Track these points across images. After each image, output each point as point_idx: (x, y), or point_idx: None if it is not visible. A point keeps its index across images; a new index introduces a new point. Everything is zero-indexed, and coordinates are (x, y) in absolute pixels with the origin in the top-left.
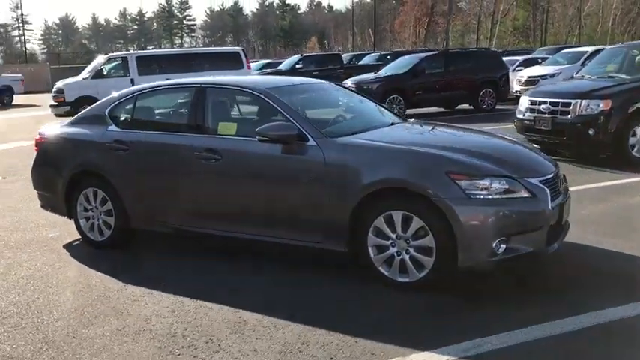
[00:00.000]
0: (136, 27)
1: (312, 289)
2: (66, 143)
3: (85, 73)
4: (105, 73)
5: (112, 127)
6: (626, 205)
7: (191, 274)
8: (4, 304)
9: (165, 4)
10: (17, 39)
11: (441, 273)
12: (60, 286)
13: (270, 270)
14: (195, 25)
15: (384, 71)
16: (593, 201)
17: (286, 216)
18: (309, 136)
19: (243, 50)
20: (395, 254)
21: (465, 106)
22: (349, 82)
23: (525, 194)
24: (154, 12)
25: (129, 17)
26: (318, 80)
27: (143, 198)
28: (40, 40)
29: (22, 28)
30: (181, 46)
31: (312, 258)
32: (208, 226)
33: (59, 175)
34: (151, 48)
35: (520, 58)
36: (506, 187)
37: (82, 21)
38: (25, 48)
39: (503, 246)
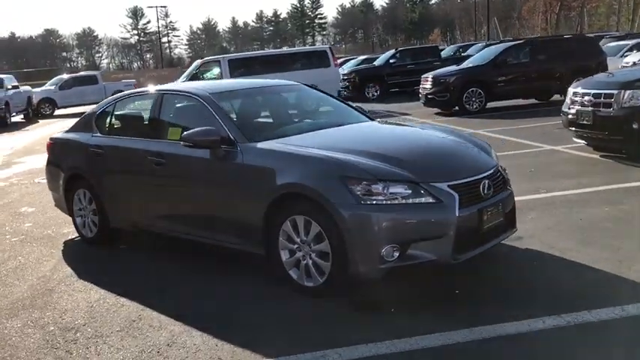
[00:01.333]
0: (271, 28)
1: (230, 291)
2: (63, 148)
3: (183, 77)
4: (199, 76)
5: (96, 133)
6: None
7: (142, 273)
8: None
9: (298, 4)
10: (166, 45)
11: (339, 279)
12: (25, 278)
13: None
14: (326, 23)
15: (467, 63)
16: (599, 203)
17: (211, 218)
18: (235, 141)
19: (330, 48)
20: (301, 259)
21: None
22: (430, 76)
23: (429, 199)
24: (287, 12)
25: (265, 19)
26: (287, 83)
27: (115, 199)
28: (186, 45)
29: (169, 35)
30: (313, 44)
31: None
32: (160, 227)
33: (60, 176)
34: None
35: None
36: (408, 191)
37: (223, 24)
38: (160, 54)
39: (396, 253)
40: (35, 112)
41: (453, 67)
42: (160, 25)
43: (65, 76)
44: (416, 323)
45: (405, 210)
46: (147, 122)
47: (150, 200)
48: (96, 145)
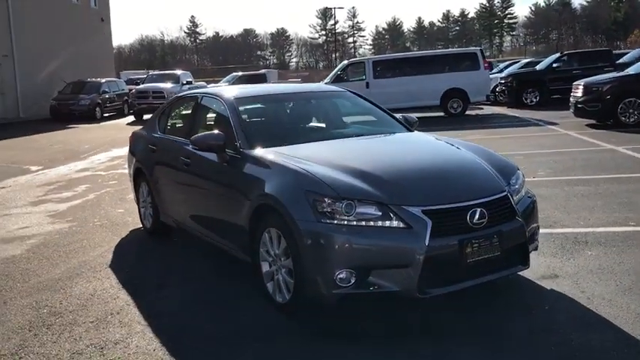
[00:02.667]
0: (457, 28)
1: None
2: (136, 142)
3: (328, 79)
4: (343, 77)
5: (156, 132)
6: None
7: (168, 270)
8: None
9: (487, 4)
10: (351, 45)
11: (301, 299)
12: (70, 260)
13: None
14: (516, 22)
15: (630, 70)
16: None
17: (216, 221)
18: (239, 147)
19: (481, 51)
20: (275, 272)
21: None
22: (581, 84)
23: (399, 224)
24: (475, 12)
25: (451, 19)
26: (329, 89)
27: (160, 195)
28: (370, 45)
29: (355, 35)
30: (500, 45)
31: None
32: (187, 226)
33: (130, 169)
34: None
35: None
36: (378, 213)
37: (408, 24)
38: (342, 54)
39: (353, 279)
40: None
41: (611, 75)
42: (346, 26)
43: (239, 73)
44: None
45: (367, 233)
46: (186, 123)
47: (181, 199)
48: (152, 143)
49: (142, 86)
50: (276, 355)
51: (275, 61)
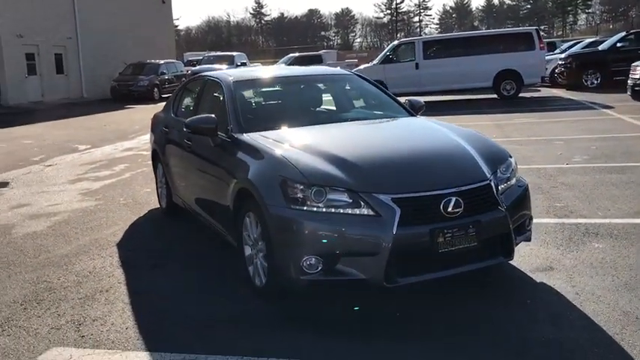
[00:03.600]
0: (528, 6)
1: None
2: (153, 124)
3: (377, 60)
4: (392, 58)
5: (170, 113)
6: None
7: (169, 249)
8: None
9: None
10: (417, 24)
11: (273, 283)
12: (84, 237)
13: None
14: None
15: None
16: None
17: (209, 202)
18: (230, 130)
19: (537, 30)
20: (254, 256)
21: None
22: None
23: (368, 212)
24: None
25: None
26: (334, 72)
27: (171, 176)
28: (437, 24)
29: (421, 14)
30: (574, 24)
31: None
32: (190, 208)
33: (150, 150)
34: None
35: None
36: (349, 200)
37: (477, 2)
38: (407, 34)
39: (320, 266)
40: None
41: None
42: (412, 4)
43: (295, 54)
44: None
45: (335, 220)
46: (192, 105)
47: (185, 180)
48: (165, 124)
49: (196, 68)
50: (247, 340)
51: (339, 41)
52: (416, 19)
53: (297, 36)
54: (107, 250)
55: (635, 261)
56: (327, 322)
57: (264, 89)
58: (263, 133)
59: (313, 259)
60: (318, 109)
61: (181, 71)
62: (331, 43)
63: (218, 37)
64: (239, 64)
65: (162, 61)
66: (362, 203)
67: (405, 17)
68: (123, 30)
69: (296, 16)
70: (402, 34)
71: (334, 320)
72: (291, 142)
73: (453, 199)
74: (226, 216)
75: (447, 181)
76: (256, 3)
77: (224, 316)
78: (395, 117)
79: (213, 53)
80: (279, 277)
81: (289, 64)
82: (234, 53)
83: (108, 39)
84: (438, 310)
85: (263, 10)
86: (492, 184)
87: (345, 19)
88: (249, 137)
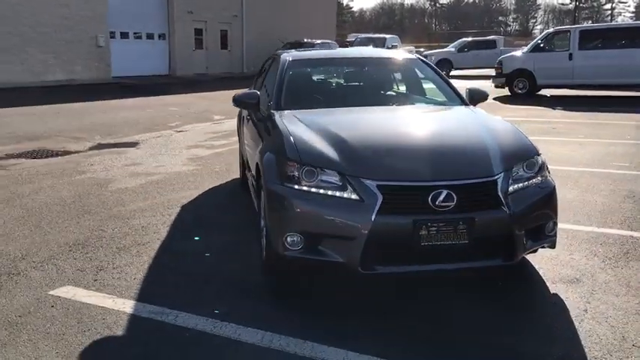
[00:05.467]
0: None
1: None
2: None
3: (527, 48)
4: (543, 46)
5: (252, 88)
6: None
7: (210, 224)
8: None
9: None
10: (608, 12)
11: (268, 258)
12: (144, 201)
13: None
14: None
15: None
16: None
17: (250, 177)
18: (269, 106)
19: None
20: (263, 229)
21: None
22: None
23: (352, 195)
24: None
25: None
26: (395, 56)
27: (242, 148)
28: (632, 12)
29: (614, 1)
30: None
31: None
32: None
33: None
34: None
35: None
36: (338, 183)
37: None
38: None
39: (302, 244)
40: None
41: None
42: None
43: (467, 39)
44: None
45: (321, 201)
46: (261, 81)
47: (243, 153)
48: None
49: (347, 49)
50: (225, 305)
51: (517, 27)
52: (607, 6)
53: (473, 20)
54: (171, 210)
55: None
56: (317, 304)
57: (316, 68)
58: (295, 111)
59: (296, 236)
60: (361, 91)
61: None
62: (509, 28)
63: (390, 19)
64: (390, 46)
65: (318, 41)
66: (348, 187)
67: (595, 4)
68: (285, 9)
69: (474, 0)
70: (590, 22)
71: (326, 304)
72: (312, 122)
73: (444, 192)
74: (254, 188)
75: (441, 173)
76: None
77: (221, 280)
78: (440, 105)
79: (364, 35)
80: (270, 252)
81: (459, 49)
82: (387, 35)
83: (270, 17)
84: (431, 303)
85: None
86: (499, 181)
87: (526, 4)
88: (279, 114)
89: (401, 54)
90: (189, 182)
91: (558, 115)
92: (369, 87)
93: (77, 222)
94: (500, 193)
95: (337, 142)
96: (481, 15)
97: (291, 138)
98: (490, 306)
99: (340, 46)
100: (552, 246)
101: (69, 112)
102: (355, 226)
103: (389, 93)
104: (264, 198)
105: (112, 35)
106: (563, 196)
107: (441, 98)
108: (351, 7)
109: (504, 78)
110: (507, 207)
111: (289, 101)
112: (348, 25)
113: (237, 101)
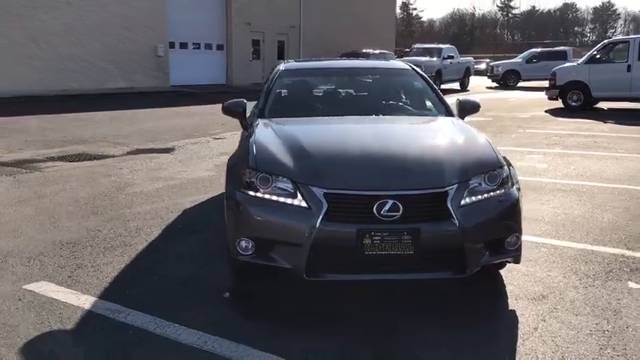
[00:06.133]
0: None
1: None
2: None
3: (584, 58)
4: (600, 57)
5: None
6: None
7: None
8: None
9: None
10: None
11: (228, 261)
12: (166, 198)
13: None
14: None
15: None
16: None
17: None
18: (254, 115)
19: None
20: None
21: None
22: None
23: (302, 203)
24: None
25: None
26: (391, 66)
27: None
28: None
29: None
30: None
31: None
32: None
33: None
34: None
35: None
36: (291, 190)
37: None
38: None
39: (252, 249)
40: (502, 82)
41: None
42: None
43: (537, 50)
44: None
45: (271, 207)
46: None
47: None
48: None
49: (402, 59)
50: (181, 308)
51: (594, 38)
52: None
53: (547, 31)
54: (171, 214)
55: None
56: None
57: (308, 78)
58: (275, 120)
59: (248, 241)
60: (346, 101)
61: None
62: (585, 39)
63: (460, 29)
64: (446, 56)
65: (373, 51)
66: (299, 194)
67: None
68: (344, 20)
69: (548, 10)
70: None
71: (292, 312)
72: (282, 131)
73: (390, 202)
74: None
75: (389, 183)
76: None
77: (191, 282)
78: (422, 115)
79: (421, 45)
80: (228, 255)
81: (528, 60)
82: (443, 46)
83: (328, 28)
84: (382, 311)
85: (512, 3)
86: (450, 192)
87: (604, 13)
88: (258, 122)
89: (394, 64)
90: (202, 187)
91: (606, 128)
92: (356, 97)
93: (79, 222)
94: (449, 205)
95: (296, 150)
96: (556, 25)
97: (254, 146)
98: (441, 319)
99: (397, 56)
100: (516, 261)
101: (121, 118)
102: (301, 232)
103: (374, 103)
104: (224, 203)
105: (172, 45)
106: (570, 212)
107: (427, 109)
108: (421, 17)
109: (558, 90)
110: (457, 219)
111: (273, 110)
112: (417, 36)
113: (225, 109)
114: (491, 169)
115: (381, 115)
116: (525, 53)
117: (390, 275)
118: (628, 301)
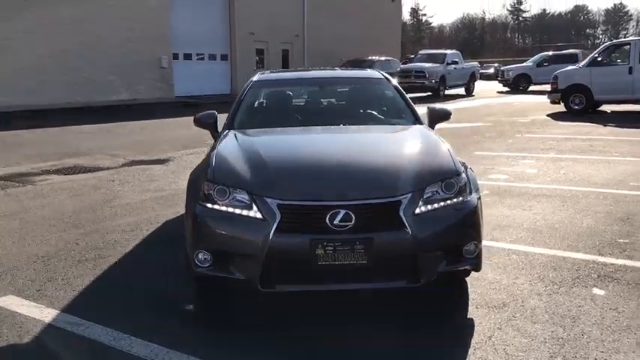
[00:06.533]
0: None
1: None
2: None
3: (586, 60)
4: (601, 60)
5: None
6: None
7: None
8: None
9: None
10: None
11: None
12: (151, 210)
13: None
14: None
15: None
16: None
17: None
18: (225, 126)
19: None
20: None
21: None
22: None
23: (257, 214)
24: None
25: None
26: (363, 75)
27: None
28: None
29: None
30: None
31: None
32: None
33: None
34: None
35: None
36: (247, 202)
37: None
38: None
39: (209, 261)
40: (513, 86)
41: None
42: None
43: (548, 53)
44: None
45: (226, 220)
46: None
47: None
48: None
49: (405, 66)
50: (136, 321)
51: (606, 40)
52: None
53: (558, 34)
54: (151, 225)
55: (613, 322)
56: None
57: (279, 89)
58: (242, 130)
59: (205, 254)
60: (316, 111)
61: (396, 68)
62: (597, 41)
63: (470, 34)
64: (450, 62)
65: (377, 58)
66: (254, 206)
67: None
68: (348, 27)
69: (559, 13)
70: None
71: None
72: (246, 142)
73: (342, 212)
74: None
75: (341, 193)
76: None
77: (154, 294)
78: (390, 124)
79: (425, 51)
80: (188, 268)
81: (538, 64)
82: (447, 51)
83: (332, 36)
84: (337, 319)
85: (522, 7)
86: (404, 202)
87: (616, 15)
88: (226, 134)
89: (367, 74)
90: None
91: (605, 132)
92: (325, 107)
93: (60, 235)
94: (402, 214)
95: (254, 161)
96: (567, 28)
97: (214, 158)
98: (395, 328)
99: (402, 63)
100: (476, 269)
101: (121, 130)
102: (255, 244)
103: (342, 113)
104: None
105: (176, 56)
106: (550, 218)
107: (396, 118)
108: (431, 23)
109: (560, 94)
110: (410, 228)
111: (242, 121)
112: (427, 41)
113: (196, 121)
114: (448, 177)
115: (347, 125)
116: (536, 57)
117: (344, 285)
118: (589, 308)
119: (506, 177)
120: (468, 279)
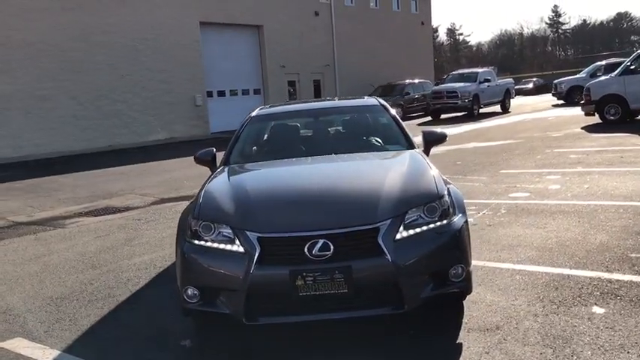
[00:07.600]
0: None
1: None
2: None
3: (619, 69)
4: (634, 68)
5: None
6: None
7: None
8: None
9: None
10: None
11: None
12: (160, 249)
13: None
14: None
15: None
16: None
17: None
18: (223, 162)
19: None
20: None
21: None
22: None
23: (239, 248)
24: None
25: None
26: (358, 104)
27: None
28: None
29: None
30: None
31: None
32: None
33: None
34: None
35: None
36: (231, 236)
37: None
38: None
39: (198, 297)
40: (567, 99)
41: None
42: None
43: (601, 63)
44: None
45: (211, 255)
46: None
47: None
48: None
49: (437, 87)
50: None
51: None
52: None
53: (601, 43)
54: (166, 262)
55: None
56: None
57: (274, 122)
58: (236, 165)
59: (193, 289)
60: (309, 142)
61: (428, 90)
62: None
63: (509, 50)
64: (482, 80)
65: (410, 81)
66: (237, 240)
67: None
68: (378, 52)
69: (601, 22)
70: None
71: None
72: (235, 177)
73: (320, 241)
74: None
75: (319, 223)
76: (553, 12)
77: (149, 332)
78: (382, 150)
79: (457, 71)
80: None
81: (592, 74)
82: (479, 70)
83: (363, 63)
84: (327, 345)
85: (560, 19)
86: (382, 228)
87: None
88: (220, 169)
89: (363, 102)
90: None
91: (639, 141)
92: (319, 137)
93: (77, 276)
94: (380, 241)
95: (239, 196)
96: (610, 37)
97: (202, 195)
98: (383, 353)
99: (435, 84)
100: (466, 292)
101: (155, 169)
102: (237, 278)
103: (335, 142)
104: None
105: (210, 94)
106: (563, 235)
107: (389, 144)
108: (468, 42)
109: (593, 105)
110: (390, 255)
111: (236, 156)
112: (465, 60)
113: (196, 159)
114: (430, 201)
115: (338, 154)
116: (589, 67)
117: (326, 315)
118: (584, 328)
119: (527, 195)
120: (465, 302)
